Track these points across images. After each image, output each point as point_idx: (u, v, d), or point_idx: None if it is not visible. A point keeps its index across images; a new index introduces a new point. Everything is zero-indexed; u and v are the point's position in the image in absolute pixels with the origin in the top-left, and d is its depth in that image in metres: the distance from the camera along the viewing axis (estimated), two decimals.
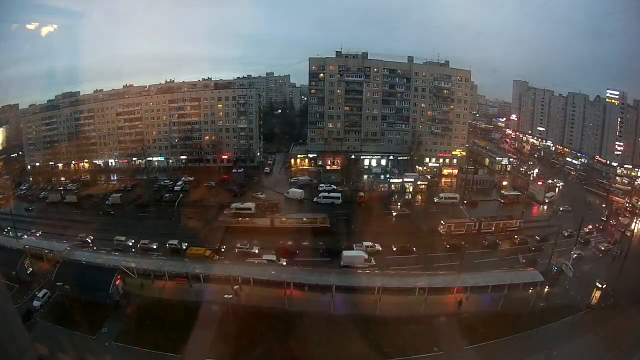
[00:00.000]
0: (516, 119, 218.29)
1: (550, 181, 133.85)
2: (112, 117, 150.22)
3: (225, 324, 54.40)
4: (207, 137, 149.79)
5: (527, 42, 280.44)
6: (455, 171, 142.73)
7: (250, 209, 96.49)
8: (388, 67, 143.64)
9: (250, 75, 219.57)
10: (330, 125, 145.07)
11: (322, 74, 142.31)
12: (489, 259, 78.89)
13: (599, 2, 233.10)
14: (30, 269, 69.93)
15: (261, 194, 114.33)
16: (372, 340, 52.61)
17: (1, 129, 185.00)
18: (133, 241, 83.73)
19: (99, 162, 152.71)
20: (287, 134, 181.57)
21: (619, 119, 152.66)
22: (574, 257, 74.52)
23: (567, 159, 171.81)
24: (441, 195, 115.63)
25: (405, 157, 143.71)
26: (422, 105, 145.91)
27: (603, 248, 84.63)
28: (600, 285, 62.28)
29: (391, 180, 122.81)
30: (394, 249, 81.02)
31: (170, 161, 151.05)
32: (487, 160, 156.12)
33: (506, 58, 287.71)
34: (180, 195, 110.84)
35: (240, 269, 66.33)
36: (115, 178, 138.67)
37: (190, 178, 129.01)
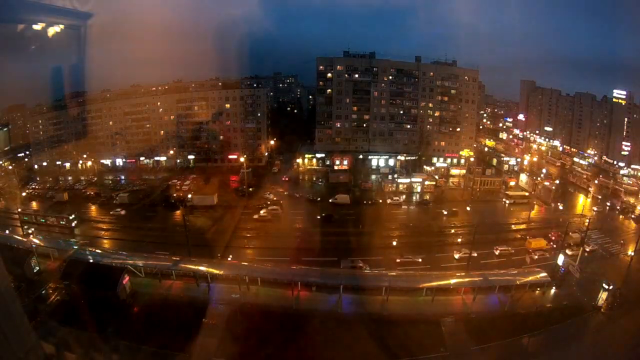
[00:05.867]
0: (524, 119, 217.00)
1: (557, 181, 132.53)
2: (119, 116, 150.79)
3: (233, 324, 54.31)
4: (215, 137, 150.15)
5: (535, 41, 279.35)
6: (463, 171, 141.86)
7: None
8: (396, 67, 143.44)
9: (258, 75, 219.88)
10: (338, 125, 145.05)
11: (330, 74, 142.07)
12: None
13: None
14: (37, 268, 69.82)
15: (269, 194, 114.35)
16: (380, 340, 52.28)
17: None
18: None
19: (107, 161, 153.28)
20: (296, 134, 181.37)
21: (626, 119, 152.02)
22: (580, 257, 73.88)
23: (575, 159, 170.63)
24: None
25: (414, 157, 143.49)
26: (430, 105, 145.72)
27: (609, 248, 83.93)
28: (606, 287, 61.66)
29: (399, 180, 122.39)
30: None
31: (178, 161, 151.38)
32: (494, 160, 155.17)
33: (515, 57, 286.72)
34: (189, 195, 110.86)
35: (247, 269, 66.20)
36: (123, 177, 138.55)
37: (199, 177, 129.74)
